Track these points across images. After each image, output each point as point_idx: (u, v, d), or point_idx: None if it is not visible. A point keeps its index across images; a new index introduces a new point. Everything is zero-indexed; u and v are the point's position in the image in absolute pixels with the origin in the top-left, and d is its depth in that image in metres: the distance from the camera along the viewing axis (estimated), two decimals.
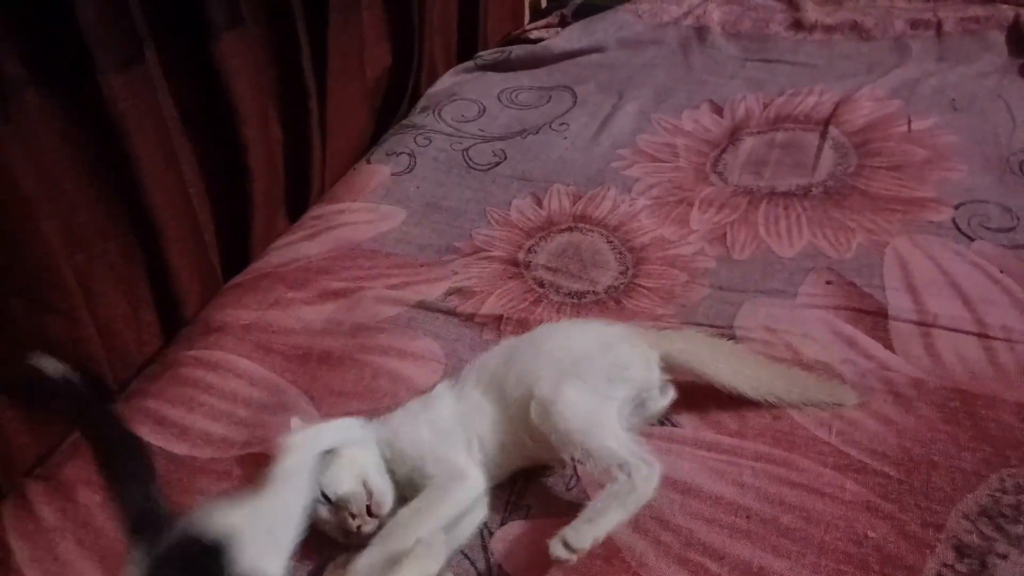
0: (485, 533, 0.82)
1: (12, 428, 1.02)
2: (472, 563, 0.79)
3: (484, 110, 1.60)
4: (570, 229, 1.27)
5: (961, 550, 0.74)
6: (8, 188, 0.89)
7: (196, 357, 1.08)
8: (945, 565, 0.73)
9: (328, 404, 1.00)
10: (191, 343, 1.11)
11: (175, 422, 0.99)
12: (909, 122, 1.38)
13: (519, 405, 0.84)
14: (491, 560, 0.79)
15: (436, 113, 1.59)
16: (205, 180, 1.26)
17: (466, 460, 0.82)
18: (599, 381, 0.84)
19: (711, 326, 1.03)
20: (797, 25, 1.80)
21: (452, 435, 0.85)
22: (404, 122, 1.60)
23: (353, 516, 0.79)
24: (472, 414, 0.86)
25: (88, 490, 0.91)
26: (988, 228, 1.13)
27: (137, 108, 1.04)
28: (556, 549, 0.71)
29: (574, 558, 0.71)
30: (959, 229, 1.13)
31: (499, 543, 0.81)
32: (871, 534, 0.76)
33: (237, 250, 1.33)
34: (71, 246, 1.03)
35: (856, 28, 1.74)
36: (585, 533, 0.72)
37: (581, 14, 1.93)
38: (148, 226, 1.12)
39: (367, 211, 1.36)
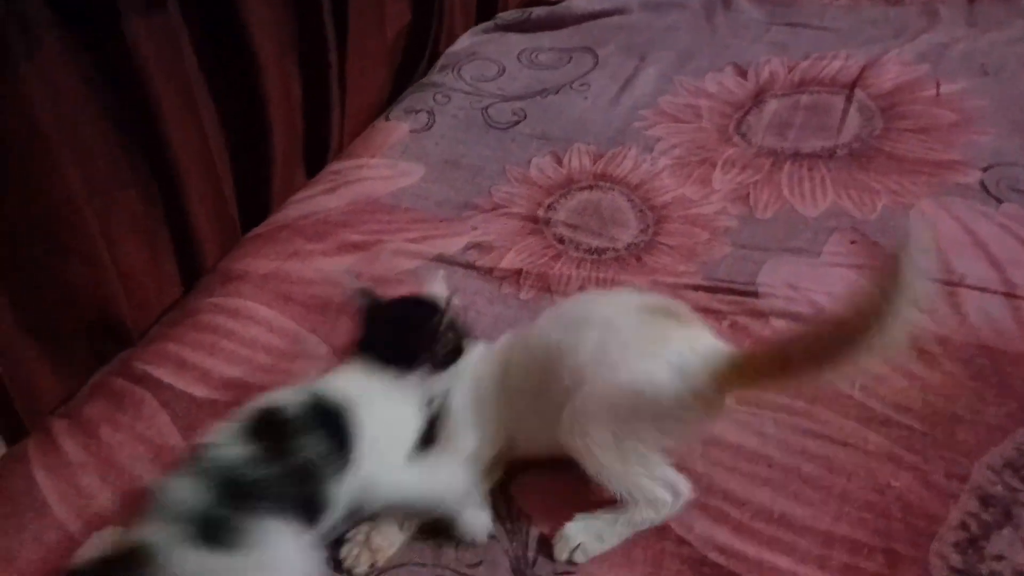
0: (506, 479, 0.82)
1: (36, 370, 1.02)
2: (492, 506, 0.79)
3: (504, 70, 1.58)
4: (590, 187, 1.26)
5: (985, 500, 0.73)
6: (28, 126, 0.88)
7: (216, 304, 1.08)
8: (969, 514, 0.73)
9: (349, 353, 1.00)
10: (211, 291, 1.12)
11: (196, 366, 0.99)
12: (938, 86, 1.36)
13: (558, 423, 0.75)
14: (511, 504, 0.79)
15: (455, 72, 1.58)
16: (224, 133, 1.25)
17: (465, 448, 0.79)
18: (648, 433, 0.73)
19: (732, 282, 1.02)
20: None
21: (469, 415, 0.81)
22: (423, 80, 1.58)
23: None
24: (505, 410, 0.81)
25: (110, 428, 0.91)
26: (1017, 190, 1.11)
27: (159, 55, 1.04)
28: (562, 552, 0.73)
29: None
30: (987, 191, 1.12)
31: (518, 488, 0.81)
32: (894, 483, 0.76)
33: (256, 204, 1.33)
34: (91, 192, 1.03)
35: None
36: (592, 550, 0.74)
37: None
38: (168, 176, 1.12)
39: (386, 167, 1.35)
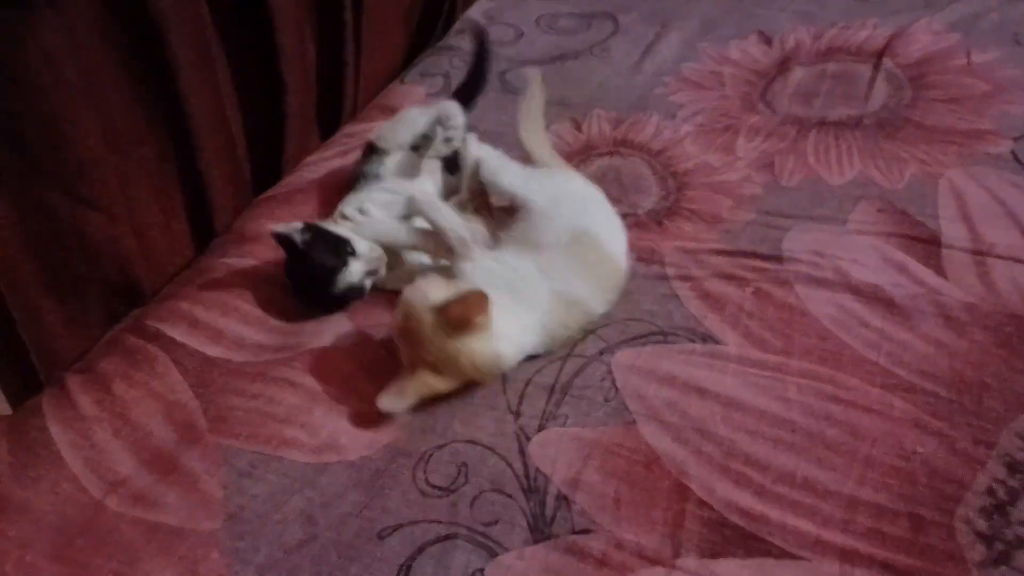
0: (523, 438, 0.81)
1: (52, 328, 1.02)
2: (509, 464, 0.78)
3: (522, 35, 1.56)
4: (611, 153, 1.23)
5: (1013, 466, 0.72)
6: (51, 73, 0.87)
7: (230, 265, 1.07)
8: (996, 480, 0.71)
9: (361, 315, 0.99)
10: (225, 251, 1.11)
11: (209, 325, 0.98)
12: (968, 55, 1.32)
13: None
14: (528, 462, 0.78)
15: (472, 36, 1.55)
16: (239, 94, 1.23)
17: None
18: None
19: (756, 249, 1.00)
20: None
21: None
22: (439, 44, 1.56)
23: None
24: None
25: (124, 384, 0.91)
26: None
27: (176, 10, 1.02)
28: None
29: None
30: (1019, 161, 1.09)
31: (536, 447, 0.80)
32: (919, 449, 0.74)
33: (269, 166, 1.31)
34: (108, 147, 1.02)
35: None
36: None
37: None
38: (183, 134, 1.11)
39: None
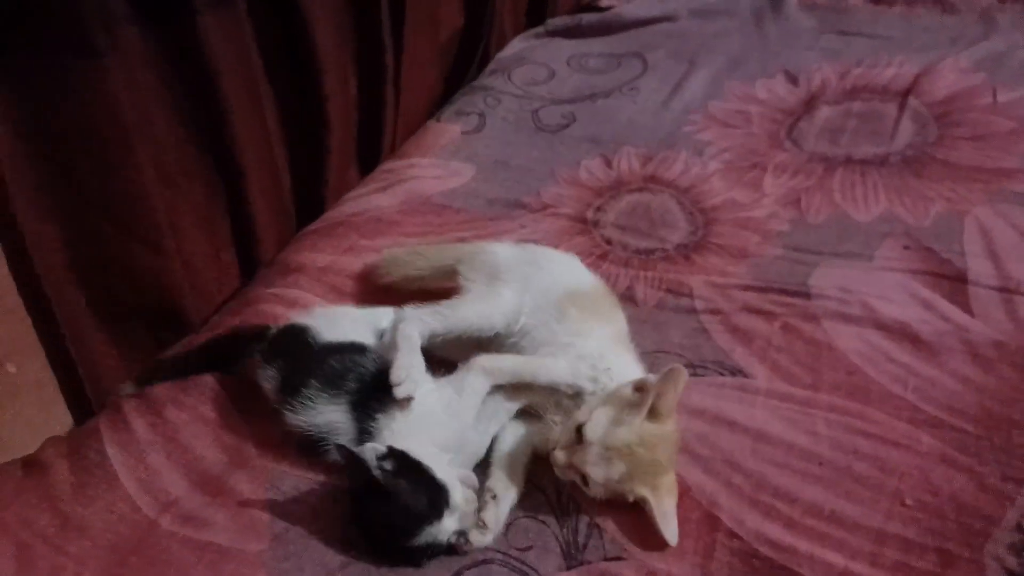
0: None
1: (101, 351, 1.07)
2: (542, 491, 0.81)
3: (554, 74, 1.61)
4: (640, 189, 1.27)
5: None
6: (110, 115, 0.93)
7: (276, 295, 1.12)
8: None
9: None
10: (270, 282, 1.15)
11: None
12: (994, 93, 1.34)
13: None
14: (561, 489, 0.81)
15: (506, 76, 1.61)
16: (284, 130, 1.30)
17: None
18: None
19: (783, 284, 1.03)
20: None
21: None
22: (474, 83, 1.62)
23: None
24: None
25: (175, 409, 0.95)
26: None
27: (227, 50, 1.08)
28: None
29: None
30: None
31: None
32: (947, 485, 0.75)
33: (311, 200, 1.37)
34: (159, 182, 1.08)
35: (940, 1, 1.69)
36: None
37: None
38: (232, 170, 1.16)
39: (437, 167, 1.38)
